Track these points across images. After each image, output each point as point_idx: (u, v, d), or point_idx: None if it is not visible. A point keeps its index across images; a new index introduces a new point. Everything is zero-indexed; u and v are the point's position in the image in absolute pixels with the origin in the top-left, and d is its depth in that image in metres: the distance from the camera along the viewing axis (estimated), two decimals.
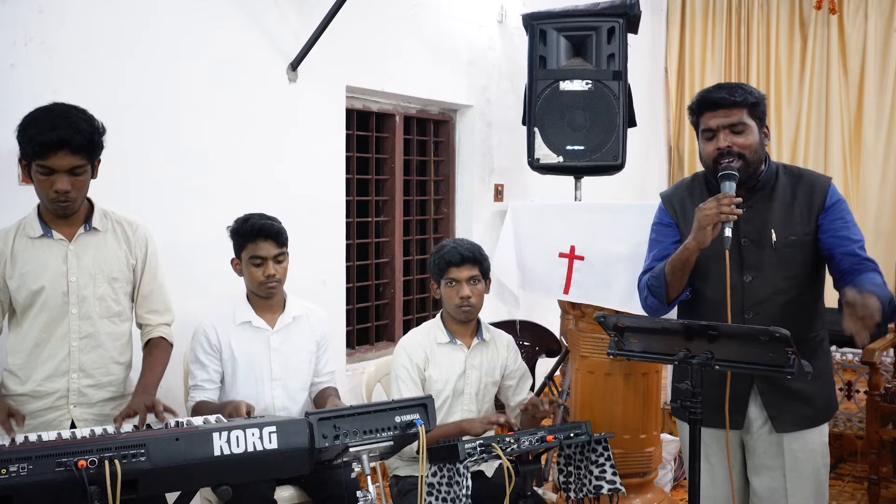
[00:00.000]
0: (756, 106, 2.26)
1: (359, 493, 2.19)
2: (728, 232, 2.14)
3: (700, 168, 2.43)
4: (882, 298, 1.97)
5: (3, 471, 1.70)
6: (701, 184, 2.40)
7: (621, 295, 2.97)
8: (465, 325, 2.95)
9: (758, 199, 2.30)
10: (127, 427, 2.20)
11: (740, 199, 2.16)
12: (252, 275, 2.79)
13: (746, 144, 2.23)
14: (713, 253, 2.21)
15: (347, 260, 4.17)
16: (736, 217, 2.14)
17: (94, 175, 2.38)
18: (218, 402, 2.76)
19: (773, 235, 2.25)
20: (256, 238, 2.77)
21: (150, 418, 2.28)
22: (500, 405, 3.15)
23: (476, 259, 2.89)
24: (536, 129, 4.21)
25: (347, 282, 4.17)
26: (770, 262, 2.26)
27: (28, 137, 2.24)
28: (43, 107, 2.31)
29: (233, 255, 2.85)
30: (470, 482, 2.35)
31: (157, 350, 2.56)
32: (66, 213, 2.36)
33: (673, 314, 2.53)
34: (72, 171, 2.28)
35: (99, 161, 2.39)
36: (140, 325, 2.61)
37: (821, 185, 2.29)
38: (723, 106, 2.24)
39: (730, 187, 2.19)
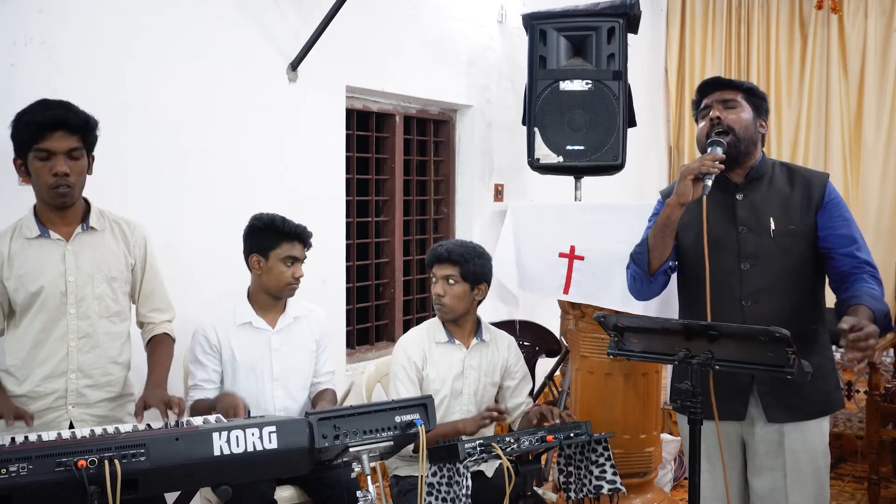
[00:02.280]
0: (752, 92, 2.37)
1: (359, 493, 2.19)
2: (708, 182, 2.21)
3: None
4: (878, 313, 2.05)
5: (3, 471, 1.70)
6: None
7: (621, 295, 2.97)
8: (462, 324, 2.94)
9: (754, 187, 2.34)
10: (127, 427, 2.20)
11: (723, 157, 2.24)
12: (282, 274, 2.81)
13: (737, 120, 2.31)
14: (711, 241, 2.23)
15: (347, 260, 4.17)
16: (717, 171, 2.21)
17: (89, 170, 2.39)
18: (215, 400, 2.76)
19: (772, 224, 2.28)
20: (294, 239, 2.82)
21: (150, 416, 2.28)
22: None
23: (454, 260, 2.86)
24: (536, 129, 4.21)
25: (347, 282, 4.17)
26: (768, 251, 2.28)
27: (24, 123, 2.27)
28: (33, 102, 2.34)
29: (252, 253, 2.84)
30: (470, 482, 2.35)
31: (162, 346, 2.58)
32: (65, 202, 2.35)
33: (674, 314, 2.53)
34: (70, 155, 2.30)
35: (93, 157, 2.40)
36: (141, 324, 2.62)
37: (819, 179, 2.33)
38: (718, 86, 2.38)
39: (715, 150, 2.26)
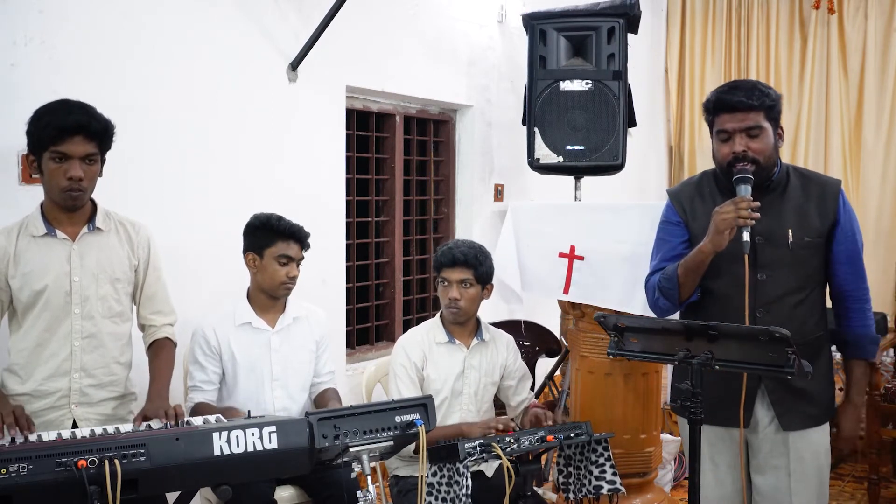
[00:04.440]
0: (773, 108, 2.26)
1: (359, 493, 2.19)
2: (746, 236, 2.14)
3: (700, 167, 2.45)
4: (872, 356, 2.31)
5: (3, 471, 1.70)
6: (710, 182, 2.40)
7: (621, 295, 2.98)
8: (463, 325, 2.95)
9: (771, 198, 2.29)
10: (127, 427, 2.20)
11: (758, 204, 2.16)
12: (275, 273, 2.80)
13: (761, 149, 2.23)
14: (726, 251, 2.20)
15: (347, 260, 4.17)
16: (753, 221, 2.15)
17: (100, 172, 2.39)
18: (218, 406, 2.76)
19: (790, 236, 2.25)
20: (290, 238, 2.82)
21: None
22: (499, 405, 3.15)
23: (469, 263, 2.87)
24: (536, 129, 4.21)
25: (347, 282, 4.17)
26: (784, 262, 2.26)
27: (44, 124, 2.27)
28: (54, 101, 2.34)
29: (248, 251, 2.85)
30: (470, 482, 2.35)
31: (163, 352, 2.57)
32: (75, 204, 2.36)
33: (677, 314, 2.53)
34: (85, 159, 2.30)
35: (105, 160, 2.40)
36: (143, 327, 2.61)
37: (832, 188, 2.30)
38: (740, 109, 2.22)
39: (745, 191, 2.18)
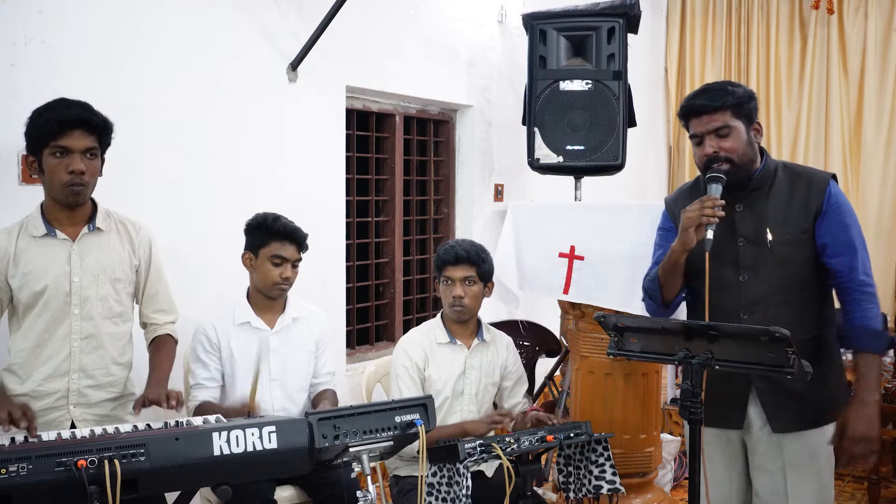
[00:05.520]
0: (739, 106, 2.25)
1: (359, 493, 2.19)
2: (710, 234, 2.16)
3: None
4: (880, 350, 2.17)
5: (3, 471, 1.69)
6: (700, 186, 2.41)
7: (621, 295, 2.98)
8: (464, 325, 2.95)
9: (754, 197, 2.29)
10: (127, 427, 2.20)
11: (723, 202, 2.18)
12: (268, 273, 2.80)
13: (732, 148, 2.24)
14: (710, 253, 2.20)
15: (347, 260, 4.17)
16: (717, 220, 2.16)
17: (100, 171, 2.40)
18: (221, 404, 2.76)
19: (769, 234, 2.25)
20: (284, 239, 2.81)
21: (150, 416, 2.28)
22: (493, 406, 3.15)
23: (472, 261, 2.88)
24: (536, 129, 4.21)
25: (347, 282, 4.17)
26: (766, 262, 2.25)
27: (44, 120, 2.28)
28: (51, 100, 2.35)
29: (245, 250, 2.86)
30: (470, 482, 2.35)
31: (165, 347, 2.59)
32: (76, 200, 2.36)
33: (682, 315, 2.53)
34: (86, 153, 2.31)
35: (104, 160, 2.41)
36: (144, 325, 2.63)
37: (819, 182, 2.26)
38: (705, 112, 2.25)
39: (715, 190, 2.21)
